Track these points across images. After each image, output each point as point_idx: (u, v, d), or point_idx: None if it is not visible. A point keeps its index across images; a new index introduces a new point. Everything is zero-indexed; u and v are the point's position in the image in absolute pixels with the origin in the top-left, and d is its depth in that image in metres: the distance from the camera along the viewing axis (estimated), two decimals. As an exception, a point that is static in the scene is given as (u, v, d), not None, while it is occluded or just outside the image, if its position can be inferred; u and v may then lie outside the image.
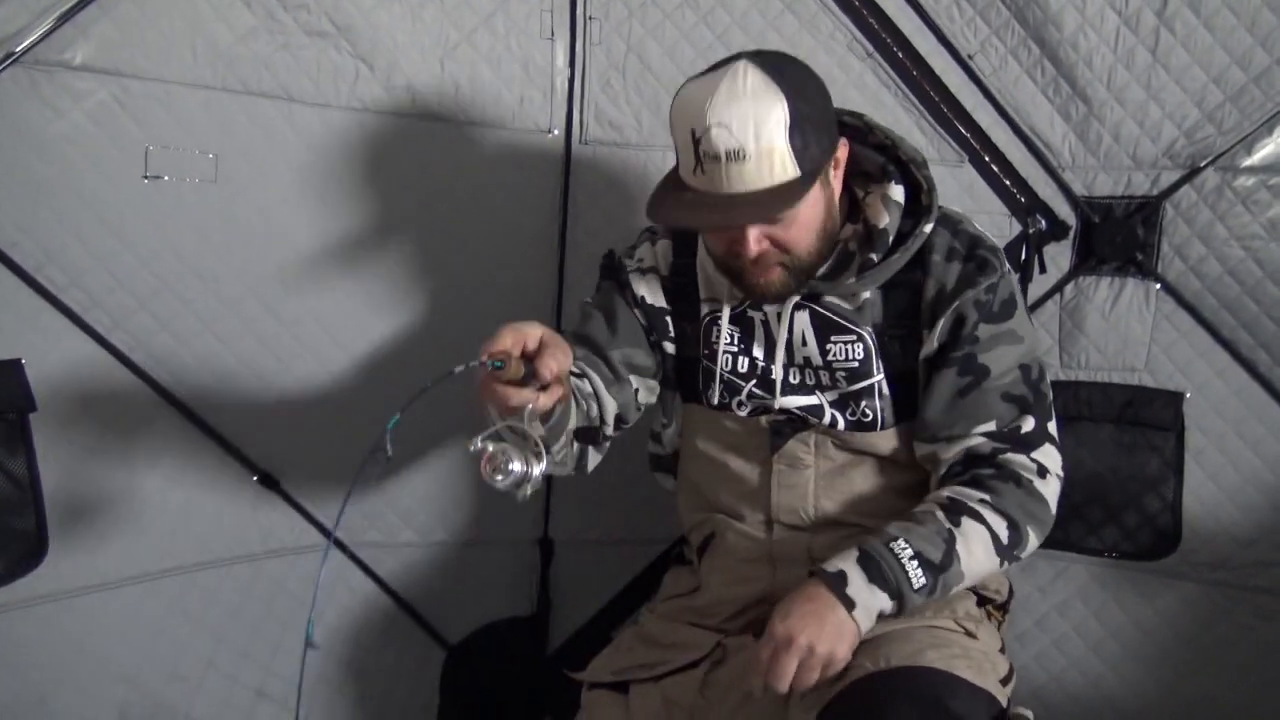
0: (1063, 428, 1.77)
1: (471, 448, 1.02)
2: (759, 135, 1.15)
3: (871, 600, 1.17)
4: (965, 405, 1.28)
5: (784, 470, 1.37)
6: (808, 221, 1.26)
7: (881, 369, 1.34)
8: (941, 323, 1.30)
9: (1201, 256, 1.82)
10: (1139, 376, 1.88)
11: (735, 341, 1.39)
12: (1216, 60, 1.73)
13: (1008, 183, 1.90)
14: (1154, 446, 1.87)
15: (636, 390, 1.41)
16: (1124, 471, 1.89)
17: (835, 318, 1.35)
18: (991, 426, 1.28)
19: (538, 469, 1.03)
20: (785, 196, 1.18)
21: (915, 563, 1.18)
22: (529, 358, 1.02)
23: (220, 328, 1.75)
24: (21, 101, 1.52)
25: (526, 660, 2.10)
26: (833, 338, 1.35)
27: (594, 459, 1.41)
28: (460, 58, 1.81)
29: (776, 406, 1.36)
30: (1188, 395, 1.86)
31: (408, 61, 1.78)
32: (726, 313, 1.38)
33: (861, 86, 1.87)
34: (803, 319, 1.35)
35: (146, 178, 1.62)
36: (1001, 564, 1.24)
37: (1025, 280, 1.88)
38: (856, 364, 1.34)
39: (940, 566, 1.19)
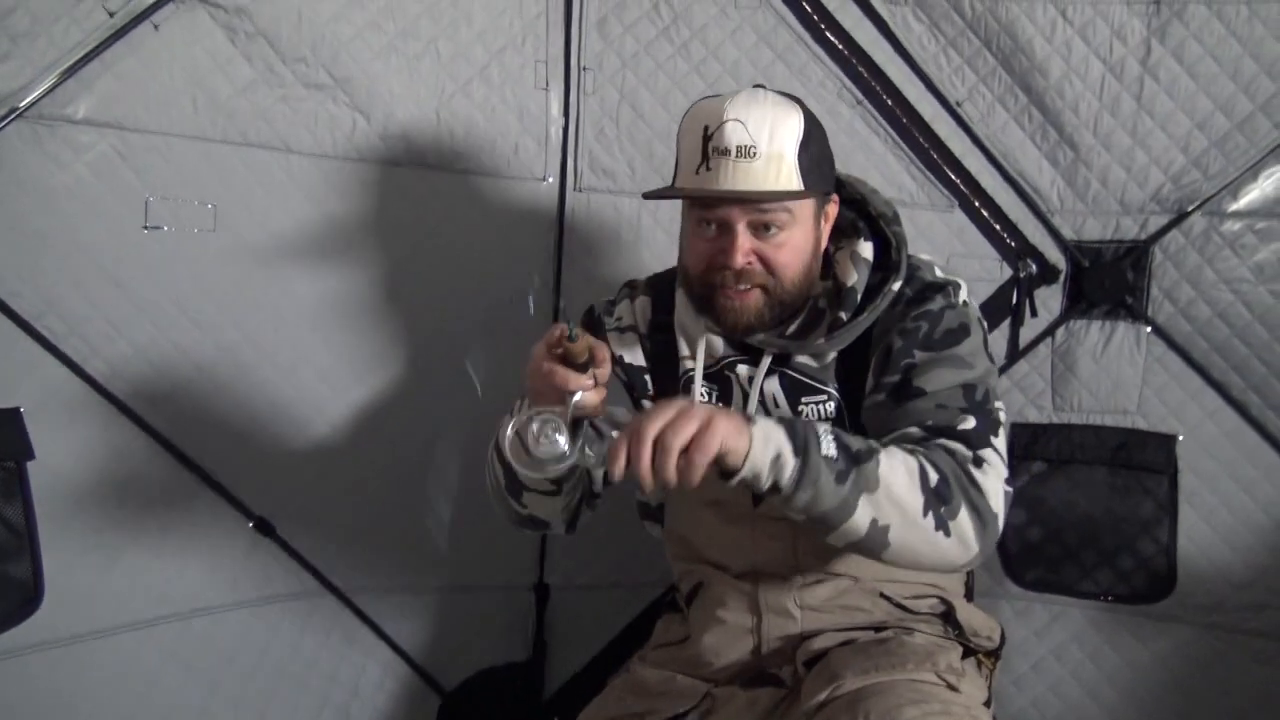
0: (1055, 471, 1.86)
1: (513, 421, 1.01)
2: (773, 138, 1.17)
3: (774, 434, 1.06)
4: (897, 413, 1.22)
5: (766, 523, 1.34)
6: (797, 248, 1.25)
7: (850, 425, 1.32)
8: (874, 358, 1.28)
9: (1191, 299, 1.83)
10: (1131, 419, 1.88)
11: (711, 400, 1.38)
12: (1200, 107, 1.76)
13: (998, 227, 1.91)
14: (1147, 489, 1.87)
15: None
16: (1118, 514, 1.89)
17: (804, 378, 1.33)
18: (927, 423, 1.19)
19: (573, 454, 1.01)
20: (787, 196, 1.20)
21: (831, 437, 1.09)
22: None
23: (217, 375, 1.75)
24: (25, 155, 1.54)
25: (522, 706, 2.08)
26: (804, 399, 1.33)
27: (586, 516, 1.41)
28: (456, 108, 1.83)
29: None
30: (1180, 438, 1.86)
31: (404, 112, 1.80)
32: (699, 370, 1.36)
33: (851, 133, 1.89)
34: (772, 384, 1.33)
35: (146, 228, 1.64)
36: (926, 511, 1.10)
37: (1016, 324, 1.89)
38: (829, 422, 1.30)
39: (856, 456, 1.09)
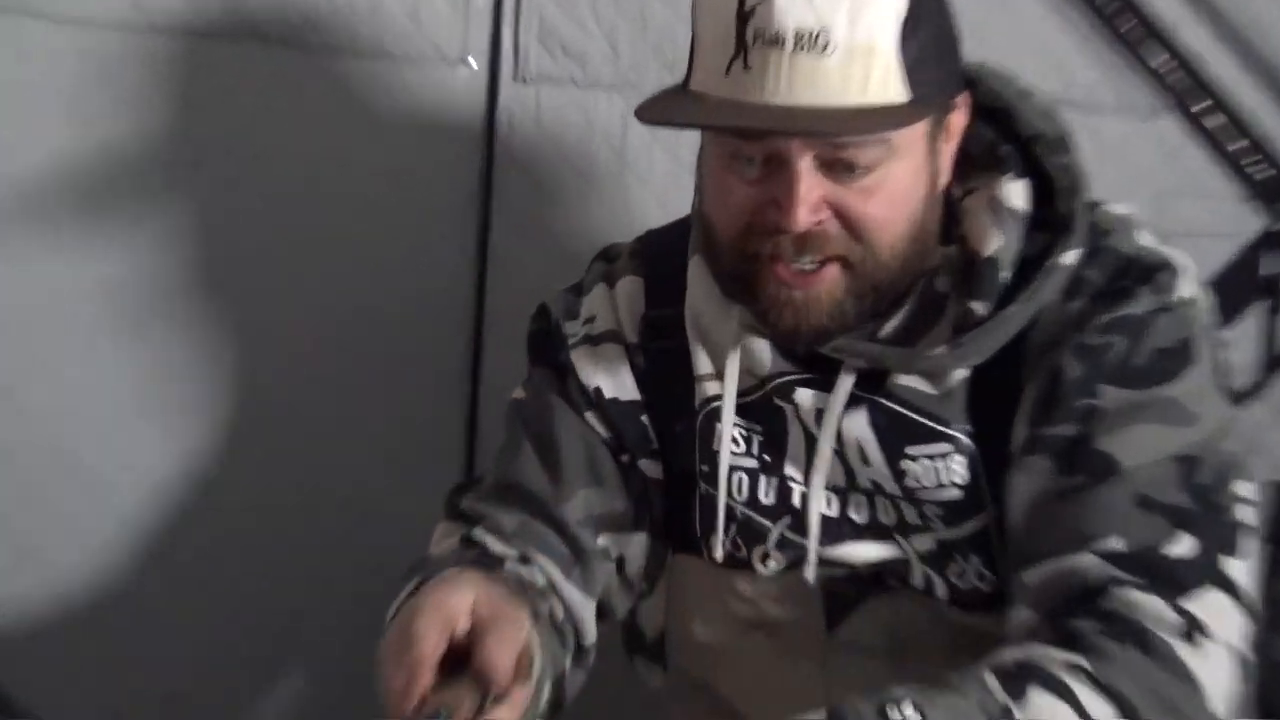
0: None
1: None
2: (855, 19, 0.89)
3: None
4: (1067, 514, 0.97)
5: (846, 661, 1.10)
6: (899, 194, 0.96)
7: (992, 499, 1.02)
8: (1032, 388, 1.01)
9: None
10: None
11: (751, 450, 1.09)
12: None
13: (1237, 146, 1.46)
14: None
15: (619, 560, 1.11)
16: None
17: (912, 414, 1.04)
18: (1113, 544, 0.94)
19: None
20: (881, 121, 0.91)
21: None
22: (462, 655, 0.78)
23: None
24: None
25: None
26: (909, 449, 1.04)
27: (576, 680, 1.11)
28: None
29: (814, 567, 1.10)
30: None
31: None
32: (730, 401, 1.08)
33: None
34: (858, 422, 1.05)
35: None
36: None
37: (1276, 311, 1.46)
38: (957, 492, 1.02)
39: None
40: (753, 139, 0.92)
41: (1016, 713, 0.85)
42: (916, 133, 0.93)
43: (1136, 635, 0.89)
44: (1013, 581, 0.99)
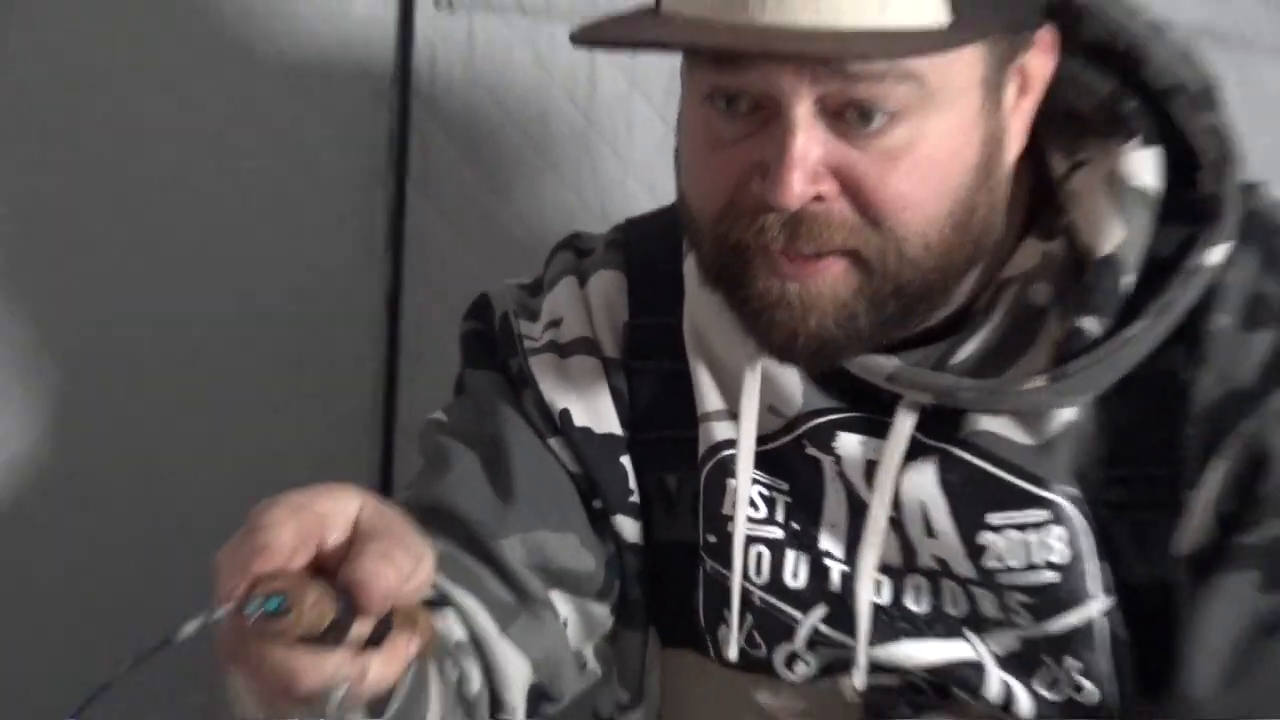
0: None
1: None
2: None
3: None
4: (1263, 648, 0.75)
5: None
6: (939, 163, 0.73)
7: (1108, 585, 0.81)
8: (1219, 467, 0.76)
9: None
10: None
11: (774, 515, 0.88)
12: None
13: None
14: None
15: (565, 623, 0.89)
16: None
17: (997, 470, 0.82)
18: None
19: None
20: (909, 43, 0.68)
21: None
22: (331, 571, 0.57)
23: None
24: None
25: None
26: (991, 517, 0.82)
27: None
28: None
29: (863, 675, 0.87)
30: None
31: None
32: (747, 450, 0.85)
33: None
34: (923, 480, 0.82)
35: None
36: None
37: None
38: (1054, 575, 0.81)
39: None
40: (733, 68, 0.71)
41: None
42: (964, 73, 0.73)
43: None
44: None
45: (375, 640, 0.59)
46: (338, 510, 0.58)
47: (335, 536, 0.58)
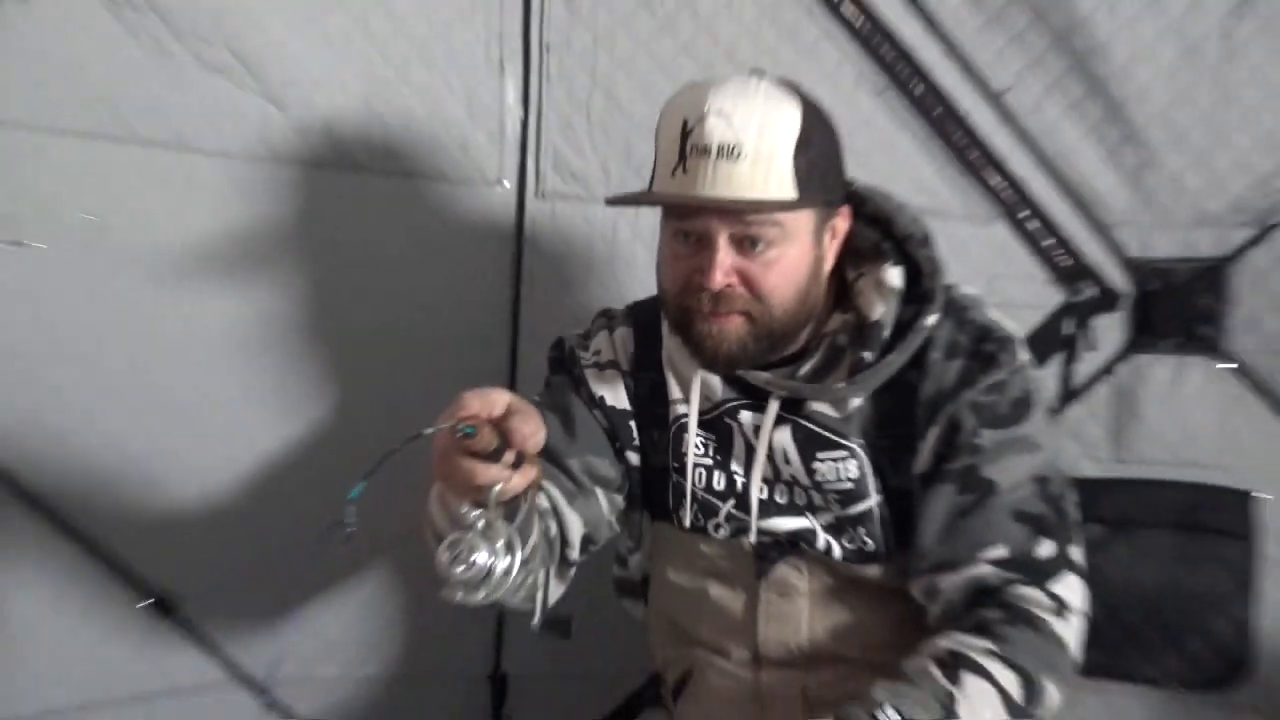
0: (1114, 536, 1.73)
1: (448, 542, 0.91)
2: (762, 135, 1.08)
3: None
4: (967, 527, 1.16)
5: (772, 599, 1.27)
6: (790, 269, 1.14)
7: (878, 489, 1.22)
8: (935, 430, 1.19)
9: (1277, 331, 1.66)
10: (1205, 473, 1.72)
11: (708, 453, 1.28)
12: (1295, 97, 1.58)
13: (1047, 243, 1.75)
14: (1222, 557, 1.72)
15: (602, 504, 1.27)
16: (1187, 588, 1.73)
17: (820, 430, 1.22)
18: (1001, 552, 1.14)
19: (505, 564, 0.91)
20: (774, 206, 1.10)
21: None
22: (497, 425, 0.90)
23: (102, 424, 1.57)
24: None
25: (477, 811, 1.92)
26: (819, 454, 1.23)
27: (556, 589, 1.26)
28: (390, 96, 1.65)
29: (754, 534, 1.27)
30: (1266, 497, 1.71)
31: (326, 101, 1.62)
32: (694, 416, 1.26)
33: (872, 128, 1.70)
34: (783, 435, 1.23)
35: (8, 244, 1.47)
36: None
37: (1070, 360, 1.74)
38: (850, 484, 1.22)
39: None
40: (687, 217, 1.13)
41: (957, 694, 1.07)
42: (804, 224, 1.13)
43: (1026, 619, 1.11)
44: (929, 583, 1.19)
45: (515, 465, 0.90)
46: (500, 395, 0.90)
47: (499, 408, 0.90)
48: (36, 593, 1.58)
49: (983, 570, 1.14)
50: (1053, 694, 1.10)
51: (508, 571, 0.91)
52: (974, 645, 1.10)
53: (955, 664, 1.08)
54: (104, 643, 1.64)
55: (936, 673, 1.07)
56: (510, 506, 0.95)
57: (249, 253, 1.62)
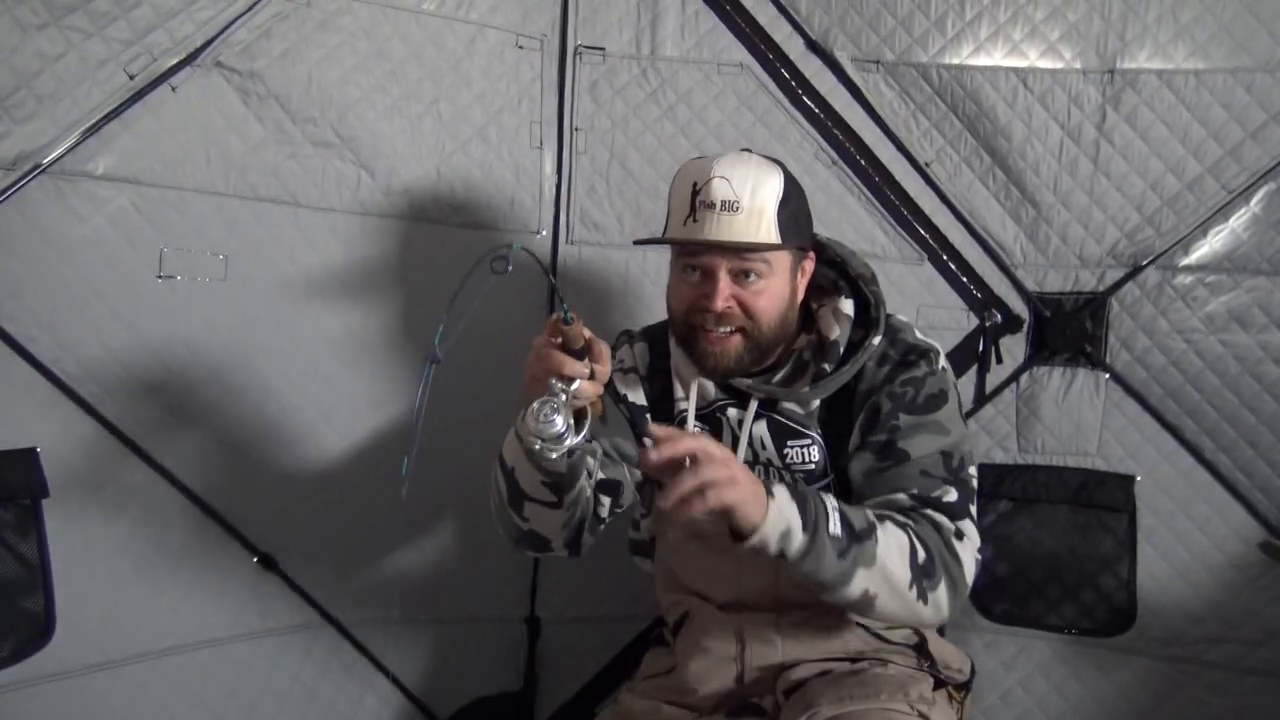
0: (1020, 510, 1.94)
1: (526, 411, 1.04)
2: (755, 194, 1.25)
3: (787, 508, 1.14)
4: (885, 478, 1.31)
5: (750, 557, 1.30)
6: (775, 296, 1.31)
7: (831, 469, 1.38)
8: (862, 415, 1.34)
9: (1146, 348, 1.91)
10: (1092, 461, 1.95)
11: None
12: (1153, 168, 1.86)
13: (965, 279, 1.99)
14: (1108, 527, 1.94)
15: (626, 476, 1.46)
16: (1080, 551, 1.95)
17: (790, 423, 1.39)
18: (913, 491, 1.29)
19: (574, 436, 1.04)
20: (765, 248, 1.27)
21: (837, 515, 1.17)
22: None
23: (225, 416, 1.81)
24: (47, 208, 1.61)
25: (514, 734, 2.12)
26: (789, 442, 1.39)
27: (588, 541, 1.43)
28: (455, 165, 1.90)
29: None
30: (1138, 478, 1.94)
31: (406, 169, 1.86)
32: (692, 409, 1.43)
33: (828, 191, 1.97)
34: (760, 427, 1.39)
35: (160, 277, 1.71)
36: (911, 585, 1.20)
37: (983, 370, 1.97)
38: (813, 465, 1.38)
39: (858, 535, 1.17)
40: (697, 254, 1.30)
41: (879, 527, 1.21)
42: (784, 263, 1.31)
43: (934, 526, 1.26)
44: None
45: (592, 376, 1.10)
46: (584, 330, 1.11)
47: (579, 341, 1.10)
48: (169, 551, 1.79)
49: (899, 498, 1.29)
50: (944, 589, 1.23)
51: (573, 446, 1.05)
52: (896, 516, 1.26)
53: (881, 516, 1.24)
54: (218, 591, 1.85)
55: (869, 513, 1.24)
56: (579, 416, 1.09)
57: (344, 285, 1.86)
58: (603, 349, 1.11)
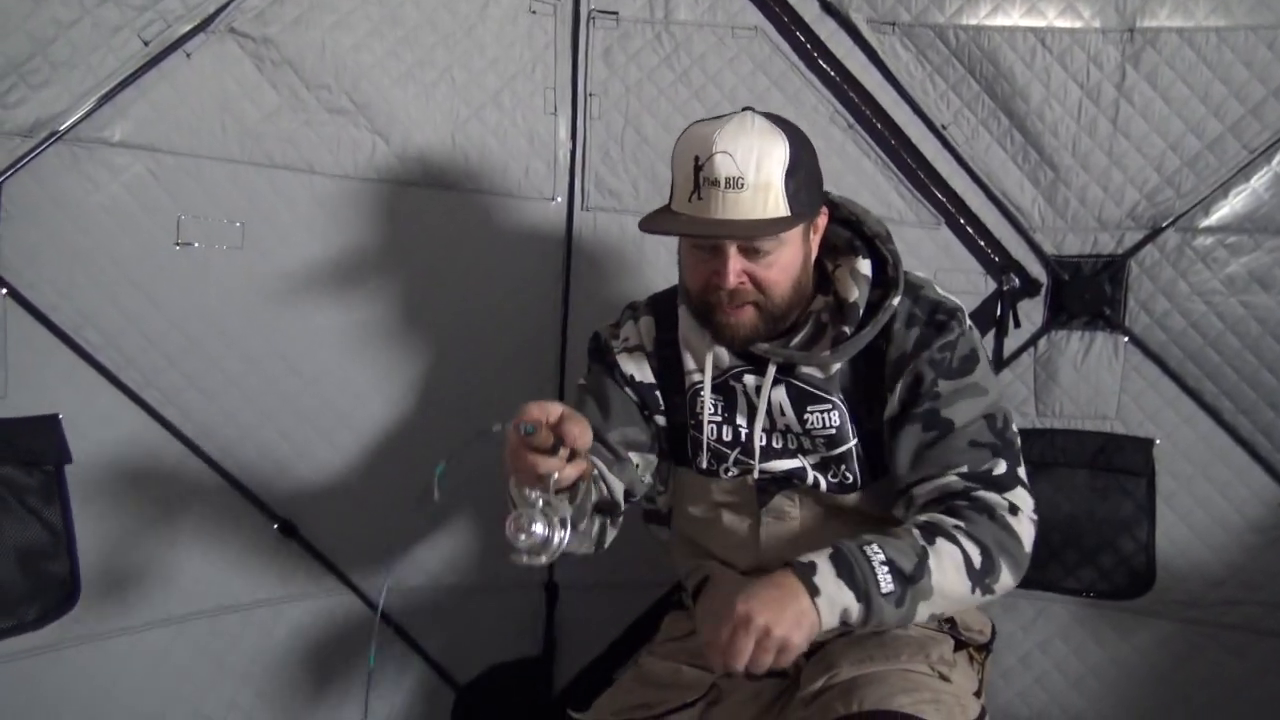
0: (1039, 474, 1.89)
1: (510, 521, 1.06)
2: (760, 168, 1.21)
3: (837, 594, 1.15)
4: (934, 454, 1.30)
5: (771, 522, 1.40)
6: (786, 266, 1.29)
7: (855, 434, 1.37)
8: (901, 383, 1.32)
9: (1166, 311, 1.90)
10: (1110, 424, 1.95)
11: (719, 411, 1.41)
12: (1173, 129, 1.84)
13: (982, 243, 1.98)
14: (1127, 491, 1.94)
15: (637, 466, 1.44)
16: (1099, 515, 1.95)
17: (809, 388, 1.37)
18: (963, 469, 1.28)
19: (559, 536, 1.04)
20: (773, 228, 1.24)
21: (886, 568, 1.16)
22: (553, 429, 1.05)
23: (244, 385, 1.82)
24: (63, 175, 1.61)
25: (533, 700, 2.14)
26: (809, 407, 1.37)
27: (611, 533, 1.43)
28: (470, 132, 1.90)
29: (757, 473, 1.40)
30: (1157, 442, 1.93)
31: (421, 135, 1.86)
32: (708, 383, 1.41)
33: (843, 155, 1.96)
34: (779, 393, 1.38)
35: (178, 245, 1.72)
36: (974, 591, 1.21)
37: (1001, 335, 1.96)
38: (834, 430, 1.37)
39: (910, 578, 1.17)
40: (702, 237, 1.28)
41: (930, 550, 1.19)
42: (795, 233, 1.28)
43: (987, 510, 1.24)
44: (906, 498, 1.30)
45: (569, 460, 1.04)
46: (555, 405, 1.05)
47: (554, 415, 1.04)
48: (189, 517, 1.80)
49: (950, 479, 1.27)
50: (1006, 573, 1.23)
51: (561, 542, 1.03)
52: (946, 521, 1.24)
53: (930, 530, 1.22)
54: (240, 558, 1.86)
55: (916, 534, 1.21)
56: (572, 490, 1.09)
57: (359, 254, 1.87)
58: (578, 427, 1.07)
